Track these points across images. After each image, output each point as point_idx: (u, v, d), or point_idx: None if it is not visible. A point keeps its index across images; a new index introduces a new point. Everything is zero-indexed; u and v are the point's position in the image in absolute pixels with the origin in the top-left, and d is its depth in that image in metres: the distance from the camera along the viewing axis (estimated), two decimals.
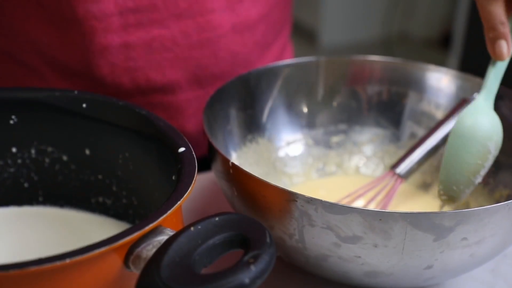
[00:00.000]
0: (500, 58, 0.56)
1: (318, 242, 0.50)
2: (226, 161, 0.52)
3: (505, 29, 0.55)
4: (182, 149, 0.50)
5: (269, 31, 0.76)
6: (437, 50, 2.95)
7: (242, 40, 0.73)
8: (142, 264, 0.39)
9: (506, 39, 0.55)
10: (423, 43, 3.03)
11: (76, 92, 0.56)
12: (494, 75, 0.57)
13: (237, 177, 0.52)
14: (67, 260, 0.37)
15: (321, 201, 0.48)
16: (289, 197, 0.49)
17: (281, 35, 0.79)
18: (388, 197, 0.60)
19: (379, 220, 0.47)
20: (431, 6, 3.01)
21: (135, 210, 0.57)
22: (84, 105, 0.55)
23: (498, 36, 0.55)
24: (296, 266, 0.56)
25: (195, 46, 0.69)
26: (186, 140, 0.51)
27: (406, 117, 0.68)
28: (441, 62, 2.54)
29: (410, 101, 0.68)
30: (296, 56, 0.87)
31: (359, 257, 0.49)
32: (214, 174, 0.58)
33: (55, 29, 0.68)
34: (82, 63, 0.69)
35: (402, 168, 0.61)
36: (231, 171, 0.52)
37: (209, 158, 0.56)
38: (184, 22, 0.69)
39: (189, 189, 0.45)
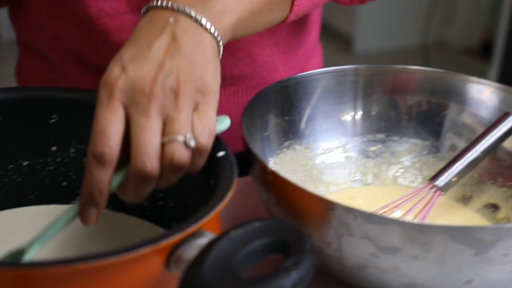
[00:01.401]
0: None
1: (356, 252, 0.49)
2: (265, 168, 0.52)
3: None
4: (221, 153, 0.50)
5: (292, 34, 0.75)
6: (476, 59, 2.89)
7: (261, 41, 0.72)
8: (183, 266, 0.39)
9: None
10: (461, 52, 2.97)
11: None
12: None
13: (276, 184, 0.52)
14: (112, 259, 0.37)
15: (360, 211, 0.47)
16: (329, 206, 0.48)
17: (308, 39, 0.78)
18: (427, 209, 0.59)
19: (419, 232, 0.46)
20: (470, 14, 2.94)
21: (171, 212, 0.57)
22: None
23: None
24: (332, 275, 0.55)
25: None
26: (225, 144, 0.51)
27: (446, 128, 0.67)
28: (480, 72, 2.50)
29: (451, 113, 0.67)
30: (329, 62, 0.86)
31: (398, 268, 0.49)
32: (247, 179, 0.58)
33: (77, 26, 0.69)
34: (102, 59, 0.69)
35: (442, 180, 0.61)
36: (270, 177, 0.52)
37: (247, 164, 0.56)
38: None
39: (230, 193, 0.45)
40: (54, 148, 0.57)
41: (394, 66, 0.69)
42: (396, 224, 0.46)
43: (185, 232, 0.40)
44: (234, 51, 0.70)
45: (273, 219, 0.42)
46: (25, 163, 0.57)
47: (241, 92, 0.74)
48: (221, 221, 0.47)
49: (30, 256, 0.46)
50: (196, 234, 0.41)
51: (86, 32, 0.68)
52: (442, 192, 0.61)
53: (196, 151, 0.46)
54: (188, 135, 0.45)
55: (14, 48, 0.86)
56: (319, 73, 0.66)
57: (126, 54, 0.47)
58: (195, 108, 0.46)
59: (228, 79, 0.72)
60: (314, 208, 0.49)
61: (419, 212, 0.59)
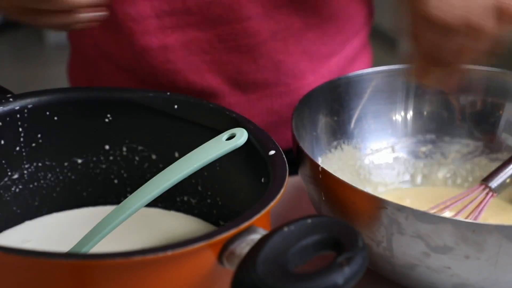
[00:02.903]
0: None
1: (407, 250, 0.49)
2: (315, 166, 0.52)
3: None
4: (272, 152, 0.50)
5: (321, 41, 0.73)
6: None
7: (286, 48, 0.71)
8: (235, 261, 0.40)
9: None
10: None
11: (168, 93, 0.57)
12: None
13: (326, 182, 0.52)
14: (169, 252, 0.38)
15: (412, 209, 0.47)
16: (380, 204, 0.48)
17: (349, 46, 0.76)
18: (478, 210, 0.58)
19: (472, 231, 0.46)
20: None
21: (219, 210, 0.58)
22: (175, 106, 0.57)
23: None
24: (380, 274, 0.55)
25: (233, 51, 0.68)
26: (277, 143, 0.51)
27: (501, 129, 0.66)
28: None
29: (507, 112, 0.66)
30: (375, 63, 0.84)
31: (449, 268, 0.48)
32: (293, 179, 0.58)
33: (108, 27, 0.69)
34: (130, 61, 0.71)
35: (495, 181, 0.60)
36: (320, 176, 0.52)
37: (296, 162, 0.57)
38: (219, 28, 0.68)
39: (282, 190, 0.46)
40: (107, 147, 0.59)
41: None
42: (449, 223, 0.46)
43: (238, 228, 0.41)
44: (258, 58, 0.70)
45: (325, 216, 0.42)
46: (80, 161, 0.59)
47: (264, 98, 0.74)
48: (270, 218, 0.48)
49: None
50: (248, 230, 0.42)
51: (114, 33, 0.70)
52: (495, 194, 0.60)
53: None
54: None
55: (59, 51, 0.88)
56: (370, 73, 0.66)
57: None
58: None
59: (251, 86, 0.72)
60: (365, 206, 0.49)
61: (471, 212, 0.59)
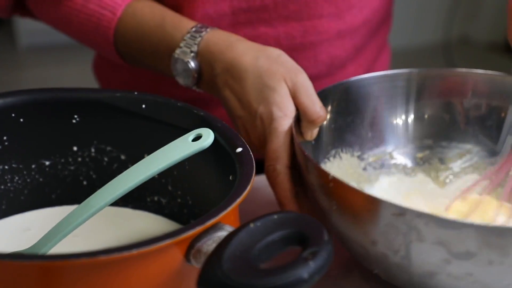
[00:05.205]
0: None
1: (426, 258, 0.47)
2: (326, 175, 0.50)
3: None
4: (239, 150, 0.50)
5: (367, 33, 0.76)
6: (502, 55, 2.66)
7: (343, 44, 0.73)
8: (202, 258, 0.40)
9: None
10: (486, 48, 2.76)
11: (136, 93, 0.56)
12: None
13: (338, 191, 0.50)
14: (134, 251, 0.38)
15: (432, 215, 0.45)
16: (398, 211, 0.47)
17: (377, 36, 0.79)
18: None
19: (496, 235, 0.44)
20: (496, 8, 2.73)
21: (189, 210, 0.57)
22: (143, 106, 0.55)
23: None
24: (394, 285, 0.53)
25: (298, 49, 0.70)
26: (244, 140, 0.51)
27: (505, 132, 0.64)
28: (506, 69, 2.39)
29: (510, 116, 0.64)
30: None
31: (471, 274, 0.47)
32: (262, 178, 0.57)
33: None
34: None
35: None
36: (331, 185, 0.50)
37: (303, 171, 0.55)
38: (290, 25, 0.70)
39: (248, 187, 0.45)
40: (75, 148, 0.57)
41: (447, 69, 0.66)
42: (471, 228, 0.45)
43: (204, 226, 0.41)
44: (318, 54, 0.72)
45: (290, 211, 0.42)
46: (47, 163, 0.57)
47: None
48: (239, 215, 0.47)
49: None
50: (215, 227, 0.41)
51: None
52: None
53: None
54: None
55: (31, 54, 0.85)
56: (367, 78, 0.64)
57: None
58: None
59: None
60: (381, 214, 0.47)
61: None
